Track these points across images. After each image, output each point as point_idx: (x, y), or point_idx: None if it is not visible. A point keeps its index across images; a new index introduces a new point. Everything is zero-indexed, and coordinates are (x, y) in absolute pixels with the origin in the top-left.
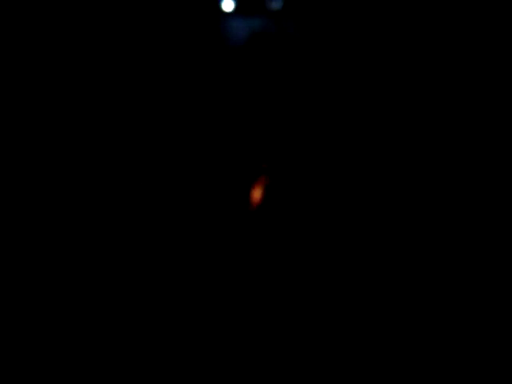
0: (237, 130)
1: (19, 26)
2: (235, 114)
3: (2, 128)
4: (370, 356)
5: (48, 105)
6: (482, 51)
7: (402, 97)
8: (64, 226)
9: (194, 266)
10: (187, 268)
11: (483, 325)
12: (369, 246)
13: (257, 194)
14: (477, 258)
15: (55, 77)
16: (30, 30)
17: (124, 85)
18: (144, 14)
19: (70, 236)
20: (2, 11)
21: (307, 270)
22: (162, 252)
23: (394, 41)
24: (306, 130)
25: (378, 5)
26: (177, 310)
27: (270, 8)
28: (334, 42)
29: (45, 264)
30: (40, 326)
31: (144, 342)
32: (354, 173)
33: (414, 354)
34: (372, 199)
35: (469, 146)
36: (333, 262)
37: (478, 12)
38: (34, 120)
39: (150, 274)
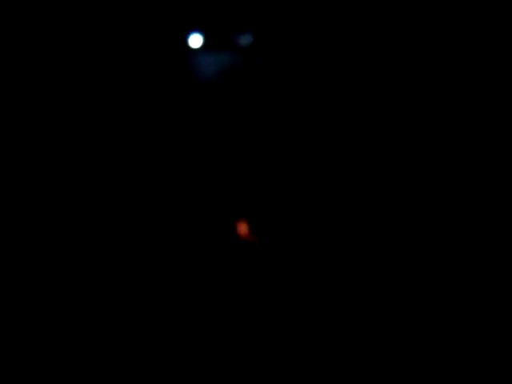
0: (208, 163)
1: (15, 27)
2: (206, 148)
3: (1, 128)
4: (370, 356)
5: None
6: (482, 51)
7: (375, 126)
8: (54, 228)
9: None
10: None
11: (483, 324)
12: (368, 250)
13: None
14: (476, 257)
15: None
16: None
17: (93, 120)
18: (113, 51)
19: (61, 237)
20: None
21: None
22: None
23: (365, 76)
24: (277, 162)
25: (346, 38)
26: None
27: (238, 44)
28: (303, 78)
29: (44, 264)
30: (40, 326)
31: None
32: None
33: (413, 353)
34: (363, 213)
35: (468, 145)
36: (329, 264)
37: (477, 12)
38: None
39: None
